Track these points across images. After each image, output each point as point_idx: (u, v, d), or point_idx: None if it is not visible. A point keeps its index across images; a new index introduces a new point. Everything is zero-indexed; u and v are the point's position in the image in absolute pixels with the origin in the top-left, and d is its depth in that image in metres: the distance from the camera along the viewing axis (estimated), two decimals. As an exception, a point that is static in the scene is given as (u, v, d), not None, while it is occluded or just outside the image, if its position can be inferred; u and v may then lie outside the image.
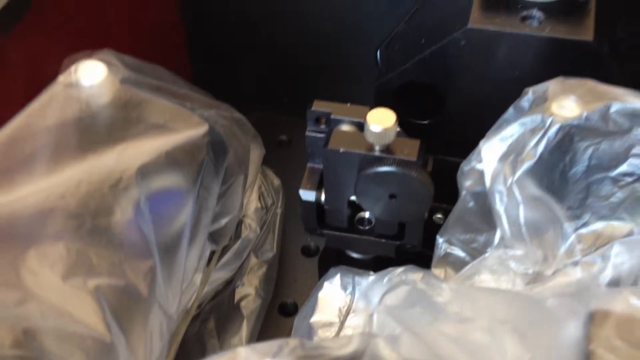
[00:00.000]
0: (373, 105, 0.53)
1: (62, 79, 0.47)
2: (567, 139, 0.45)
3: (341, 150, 0.50)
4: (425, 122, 0.59)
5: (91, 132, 0.46)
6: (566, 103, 0.45)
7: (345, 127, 0.52)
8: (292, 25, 0.77)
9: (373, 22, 0.72)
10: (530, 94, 0.48)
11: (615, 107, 0.44)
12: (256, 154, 0.62)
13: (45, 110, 0.45)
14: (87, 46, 0.59)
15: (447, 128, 0.58)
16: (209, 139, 0.51)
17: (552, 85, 0.47)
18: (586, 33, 0.49)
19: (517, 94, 0.53)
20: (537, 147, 0.46)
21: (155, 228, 0.45)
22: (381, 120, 0.48)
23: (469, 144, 0.49)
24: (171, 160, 0.47)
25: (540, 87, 0.48)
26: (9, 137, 0.43)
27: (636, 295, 0.34)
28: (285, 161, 0.82)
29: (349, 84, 0.77)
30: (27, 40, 0.56)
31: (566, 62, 0.51)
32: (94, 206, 0.42)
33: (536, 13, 0.51)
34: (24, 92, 0.53)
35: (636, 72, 0.52)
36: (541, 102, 0.47)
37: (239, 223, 0.62)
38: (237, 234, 0.62)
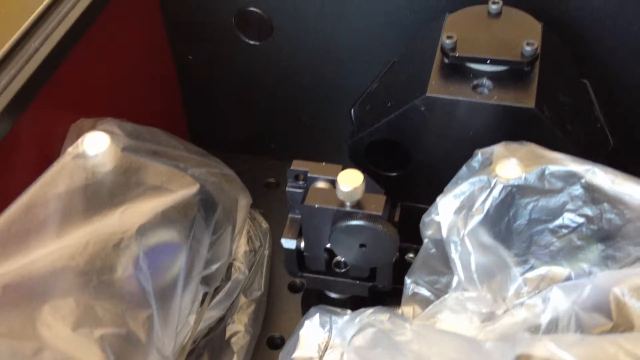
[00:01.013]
0: (347, 160, 0.61)
1: (70, 150, 0.54)
2: (510, 197, 0.52)
3: (316, 206, 0.56)
4: (394, 174, 0.65)
5: (96, 197, 0.53)
6: (508, 165, 0.52)
7: (320, 184, 0.59)
8: (280, 79, 0.83)
9: (351, 79, 0.79)
10: (479, 155, 0.55)
11: (550, 170, 0.51)
12: (244, 203, 0.68)
13: (56, 180, 0.52)
14: (93, 109, 0.66)
15: (414, 179, 0.65)
16: (199, 197, 0.58)
17: (497, 149, 0.53)
18: (529, 100, 0.56)
19: (472, 151, 0.61)
20: (484, 204, 0.52)
21: (152, 280, 0.52)
22: (350, 181, 0.55)
23: (434, 193, 0.56)
24: (166, 218, 0.54)
25: (487, 150, 0.54)
26: (26, 205, 0.50)
27: (554, 342, 0.40)
28: (273, 202, 0.88)
29: (329, 132, 0.85)
30: (37, 112, 0.63)
31: (513, 125, 0.58)
32: (99, 264, 0.49)
33: (486, 82, 0.58)
34: (35, 159, 0.60)
35: (576, 132, 0.59)
36: (488, 163, 0.54)
37: (229, 266, 0.69)
38: (228, 276, 0.68)
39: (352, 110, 0.69)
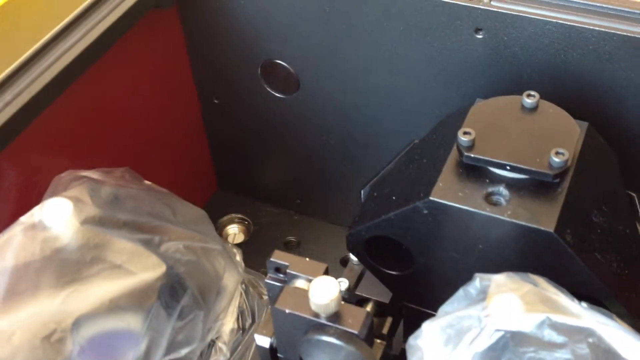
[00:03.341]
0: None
1: (23, 219, 0.49)
2: (502, 341, 0.43)
3: (287, 311, 0.50)
4: (395, 273, 0.58)
5: (42, 276, 0.48)
6: (506, 303, 0.44)
7: (300, 283, 0.52)
8: (307, 135, 0.77)
9: (377, 146, 0.72)
10: (477, 282, 0.46)
11: (552, 320, 0.42)
12: (232, 280, 0.62)
13: (2, 252, 0.48)
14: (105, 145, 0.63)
15: (418, 281, 0.57)
16: (163, 282, 0.52)
17: (496, 280, 0.45)
18: (548, 221, 0.47)
19: (482, 264, 0.52)
20: (472, 345, 0.44)
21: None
22: (325, 291, 0.48)
23: (439, 300, 0.48)
24: (117, 306, 0.49)
25: (487, 277, 0.46)
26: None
27: None
28: (288, 265, 0.82)
29: (356, 193, 0.77)
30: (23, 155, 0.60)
31: (528, 246, 0.49)
32: (20, 359, 0.44)
33: (503, 190, 0.50)
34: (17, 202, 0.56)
35: (607, 262, 0.50)
36: (486, 292, 0.46)
37: (211, 345, 0.63)
38: (206, 358, 0.62)
39: (362, 192, 0.62)
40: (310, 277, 0.52)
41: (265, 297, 0.72)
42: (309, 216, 0.86)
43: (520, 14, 0.56)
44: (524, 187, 0.50)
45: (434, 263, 0.55)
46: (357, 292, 0.63)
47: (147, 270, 0.51)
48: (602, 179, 0.53)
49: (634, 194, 0.56)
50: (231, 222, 0.88)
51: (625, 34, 0.53)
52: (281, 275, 0.54)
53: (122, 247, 0.52)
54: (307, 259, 0.53)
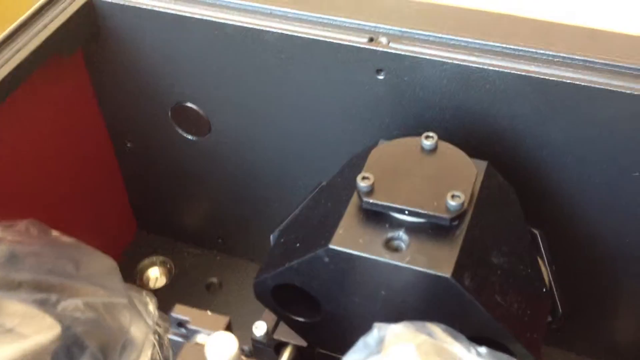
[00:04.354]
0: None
1: None
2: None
3: (184, 371, 0.48)
4: (304, 320, 0.57)
5: None
6: (402, 354, 0.43)
7: (202, 339, 0.51)
8: (222, 177, 0.76)
9: (292, 187, 0.71)
10: (376, 331, 0.46)
11: (446, 370, 0.42)
12: (141, 333, 0.60)
13: None
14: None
15: (328, 328, 0.56)
16: (58, 344, 0.50)
17: (392, 330, 0.44)
18: (445, 266, 0.47)
19: (387, 310, 0.52)
20: (370, 397, 0.43)
21: None
22: (222, 349, 0.47)
23: (349, 344, 0.47)
24: (6, 374, 0.47)
25: (384, 327, 0.45)
26: None
27: None
28: (210, 307, 0.81)
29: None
30: None
31: (428, 292, 0.49)
32: None
33: (402, 235, 0.50)
34: None
35: (508, 303, 0.50)
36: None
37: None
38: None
39: (272, 237, 0.61)
40: (211, 332, 0.51)
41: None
42: (231, 256, 0.85)
43: (418, 55, 0.56)
44: (424, 231, 0.50)
45: (341, 310, 0.54)
46: (275, 337, 0.62)
47: (41, 332, 0.49)
48: (502, 218, 0.54)
49: (536, 231, 0.56)
50: (152, 265, 0.86)
51: (519, 72, 0.54)
52: (183, 330, 0.53)
53: (15, 310, 0.49)
54: (209, 312, 0.52)
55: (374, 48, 0.57)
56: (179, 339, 0.52)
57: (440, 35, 0.56)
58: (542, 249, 0.55)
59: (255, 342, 0.62)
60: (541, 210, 0.59)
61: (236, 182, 0.75)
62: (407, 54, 0.56)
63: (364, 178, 0.51)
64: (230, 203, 0.79)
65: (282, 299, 0.57)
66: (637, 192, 0.56)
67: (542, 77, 0.53)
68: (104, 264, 0.63)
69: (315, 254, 0.51)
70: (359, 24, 0.58)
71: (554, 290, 0.54)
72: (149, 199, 0.85)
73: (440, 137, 0.54)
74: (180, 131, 0.73)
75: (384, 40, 0.57)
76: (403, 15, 0.59)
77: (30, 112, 0.68)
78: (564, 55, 0.54)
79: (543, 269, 0.55)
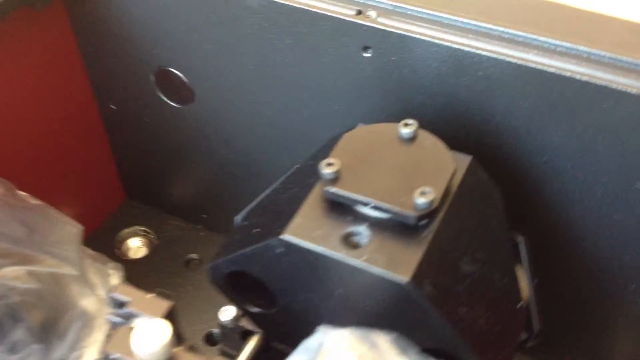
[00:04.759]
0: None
1: None
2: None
3: (111, 356, 0.44)
4: (259, 310, 0.53)
5: None
6: (340, 364, 0.39)
7: (140, 323, 0.47)
8: (206, 148, 0.72)
9: (275, 161, 0.67)
10: (318, 336, 0.41)
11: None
12: (94, 307, 0.57)
13: None
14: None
15: (282, 321, 0.52)
16: (-12, 314, 0.47)
17: (332, 338, 0.40)
18: (405, 269, 0.42)
19: (343, 309, 0.47)
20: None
21: None
22: (149, 338, 0.43)
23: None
24: None
25: (326, 332, 0.41)
26: None
27: None
28: (187, 284, 0.77)
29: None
30: None
31: (384, 295, 0.44)
32: None
33: (365, 230, 0.45)
34: None
35: (475, 316, 0.45)
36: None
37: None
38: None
39: (236, 219, 0.56)
40: (151, 317, 0.47)
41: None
42: (216, 232, 0.81)
43: (406, 33, 0.51)
44: (388, 229, 0.45)
45: (297, 304, 0.50)
46: (241, 324, 0.58)
47: (-31, 300, 0.46)
48: (481, 220, 0.48)
49: (520, 238, 0.51)
50: (134, 234, 0.83)
51: (515, 60, 0.48)
52: (124, 311, 0.49)
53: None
54: (153, 295, 0.48)
55: (360, 22, 0.52)
56: (118, 320, 0.48)
57: (434, 12, 0.51)
58: (524, 257, 0.50)
59: (222, 326, 0.58)
60: (529, 215, 0.54)
61: (220, 156, 0.71)
62: (394, 30, 0.51)
63: (328, 164, 0.46)
64: (215, 177, 0.75)
65: (239, 286, 0.53)
66: (638, 205, 0.50)
67: (540, 67, 0.47)
68: (65, 232, 0.60)
69: (268, 243, 0.46)
70: (346, -5, 0.53)
71: (533, 304, 0.49)
72: (136, 166, 0.81)
73: (429, 126, 0.49)
74: (163, 97, 0.69)
75: (372, 14, 0.52)
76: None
77: (7, 65, 0.65)
78: (568, 45, 0.48)
79: (523, 280, 0.50)
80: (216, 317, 0.57)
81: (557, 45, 0.48)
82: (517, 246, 0.51)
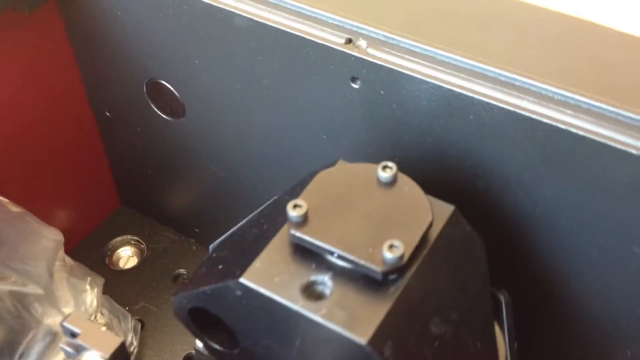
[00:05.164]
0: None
1: None
2: None
3: (53, 394, 0.42)
4: (219, 349, 0.50)
5: None
6: None
7: (90, 357, 0.45)
8: (197, 164, 0.70)
9: (264, 185, 0.64)
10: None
11: None
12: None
13: None
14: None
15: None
16: None
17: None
18: (364, 329, 0.39)
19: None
20: None
21: None
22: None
23: None
24: None
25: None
26: None
27: None
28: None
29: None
30: None
31: (341, 354, 0.41)
32: None
33: (327, 281, 0.42)
34: None
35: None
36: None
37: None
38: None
39: (210, 248, 0.54)
40: (102, 354, 0.44)
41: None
42: (206, 248, 0.78)
43: (395, 68, 0.47)
44: (354, 281, 0.42)
45: (258, 348, 0.47)
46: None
47: None
48: (459, 277, 0.45)
49: (503, 297, 0.47)
50: (126, 244, 0.81)
51: (507, 107, 0.44)
52: (75, 343, 0.46)
53: None
54: (104, 328, 0.46)
55: (349, 52, 0.49)
56: (70, 351, 0.46)
57: (427, 47, 0.47)
58: (505, 319, 0.46)
59: (197, 351, 0.56)
60: (516, 272, 0.50)
61: (211, 172, 0.69)
62: (383, 64, 0.48)
63: (295, 206, 0.43)
64: (207, 193, 0.73)
65: (203, 320, 0.50)
66: (635, 270, 0.46)
67: (534, 116, 0.44)
68: (38, 245, 0.58)
69: (227, 285, 0.43)
70: (340, 21, 0.50)
71: (510, 369, 0.46)
72: (130, 173, 0.79)
73: (417, 166, 0.46)
74: (155, 109, 0.67)
75: (363, 44, 0.49)
76: (397, 14, 0.50)
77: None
78: (566, 94, 0.44)
79: (502, 343, 0.46)
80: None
81: (555, 93, 0.44)
82: (499, 306, 0.47)
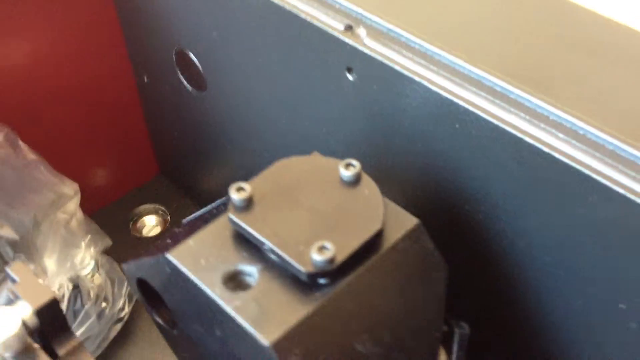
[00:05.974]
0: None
1: None
2: None
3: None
4: (162, 323, 0.48)
5: None
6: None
7: (21, 307, 0.44)
8: (222, 138, 0.68)
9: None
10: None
11: None
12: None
13: None
14: None
15: (181, 344, 0.47)
16: None
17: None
18: (271, 330, 0.36)
19: (224, 353, 0.42)
20: None
21: None
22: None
23: None
24: None
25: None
26: None
27: None
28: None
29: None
30: None
31: (248, 352, 0.37)
32: None
33: (254, 272, 0.39)
34: None
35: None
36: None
37: None
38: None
39: (183, 222, 0.52)
40: (30, 305, 0.43)
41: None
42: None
43: (387, 62, 0.43)
44: (282, 279, 0.38)
45: (190, 332, 0.44)
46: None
47: None
48: (406, 297, 0.40)
49: (458, 328, 0.42)
50: (153, 212, 0.81)
51: (494, 121, 0.39)
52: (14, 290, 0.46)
53: None
54: (42, 280, 0.45)
55: (345, 40, 0.45)
56: (11, 297, 0.46)
57: (426, 45, 0.43)
58: (455, 353, 0.41)
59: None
60: (484, 309, 0.45)
61: (233, 148, 0.67)
62: (376, 56, 0.44)
63: (239, 189, 0.40)
64: (231, 169, 0.71)
65: (154, 293, 0.48)
66: (620, 326, 0.40)
67: (517, 134, 0.39)
68: (41, 194, 0.58)
69: (159, 259, 0.41)
70: (343, 5, 0.47)
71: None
72: (165, 144, 0.79)
73: (406, 172, 0.42)
74: (183, 80, 0.66)
75: (362, 32, 0.45)
76: (408, 6, 0.46)
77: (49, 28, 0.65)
78: (562, 115, 0.38)
79: (446, 380, 0.41)
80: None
81: (550, 113, 0.39)
82: (451, 336, 0.42)
